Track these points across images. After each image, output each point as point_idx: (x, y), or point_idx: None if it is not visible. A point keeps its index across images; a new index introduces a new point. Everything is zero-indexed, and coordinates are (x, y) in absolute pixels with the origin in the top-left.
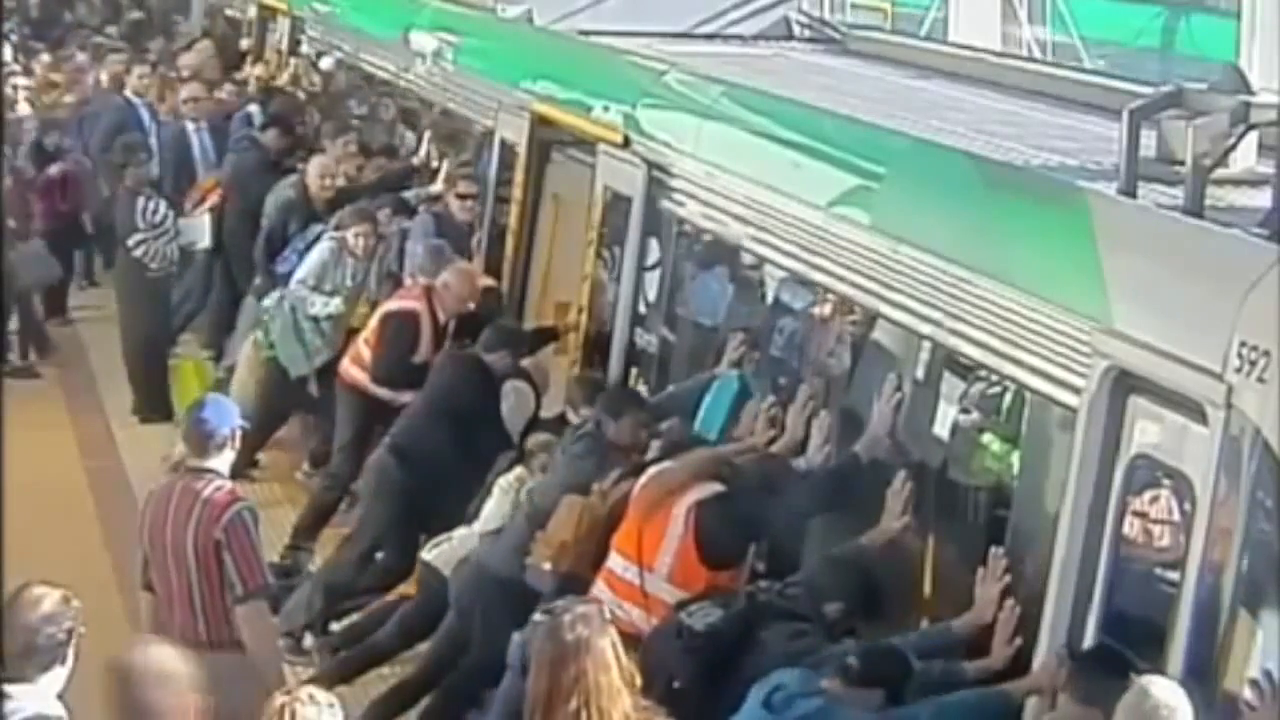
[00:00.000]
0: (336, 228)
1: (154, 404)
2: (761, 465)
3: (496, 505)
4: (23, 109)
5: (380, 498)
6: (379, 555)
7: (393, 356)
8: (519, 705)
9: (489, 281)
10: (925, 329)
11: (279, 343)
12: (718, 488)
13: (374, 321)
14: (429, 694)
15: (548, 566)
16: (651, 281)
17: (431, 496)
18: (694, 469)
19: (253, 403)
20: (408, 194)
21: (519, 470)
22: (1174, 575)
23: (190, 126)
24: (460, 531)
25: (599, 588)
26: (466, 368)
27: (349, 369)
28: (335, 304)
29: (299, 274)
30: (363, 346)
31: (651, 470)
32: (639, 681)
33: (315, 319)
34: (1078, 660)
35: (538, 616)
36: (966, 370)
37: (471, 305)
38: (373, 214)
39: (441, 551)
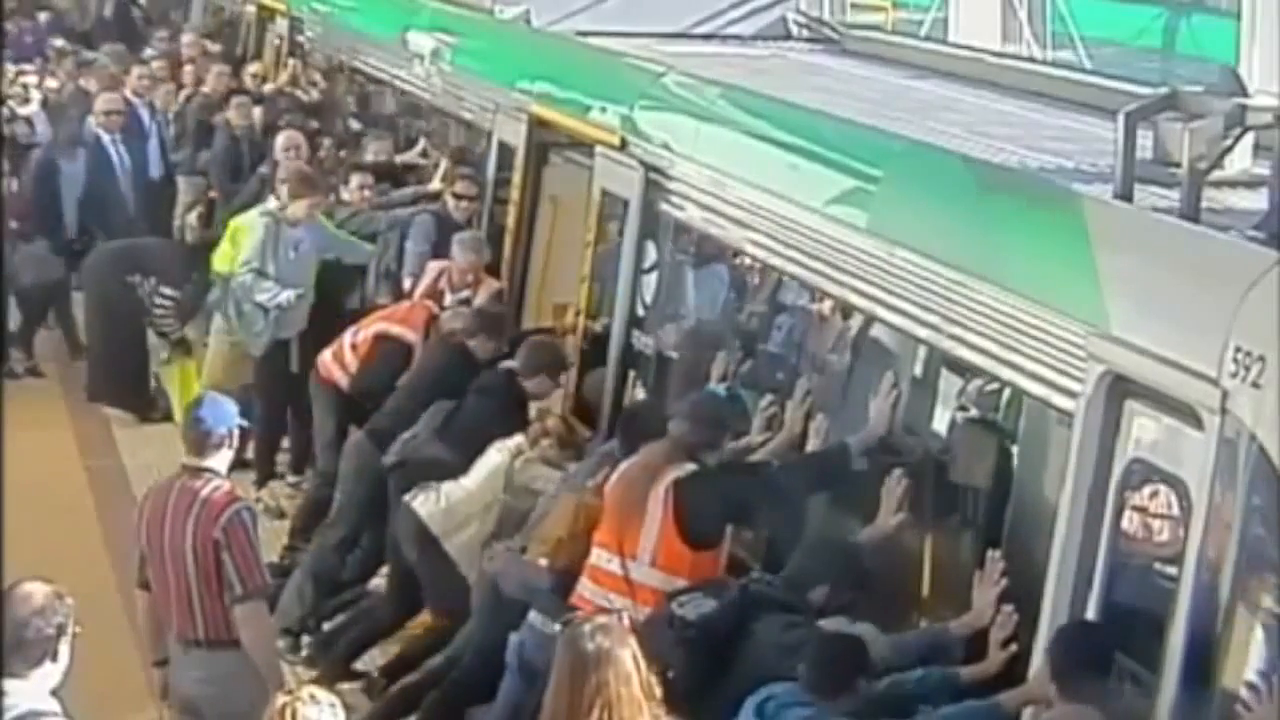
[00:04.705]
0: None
1: (138, 398)
2: (738, 450)
3: (491, 469)
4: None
5: (360, 480)
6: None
7: (377, 378)
8: (518, 706)
9: (496, 284)
10: (921, 332)
11: (240, 329)
12: (692, 466)
13: (368, 333)
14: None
15: (544, 563)
16: (649, 284)
17: (411, 480)
18: (662, 452)
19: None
20: (406, 191)
21: (519, 439)
22: (1170, 579)
23: (106, 139)
24: (447, 485)
25: (584, 584)
26: (453, 354)
27: (329, 365)
28: (286, 297)
29: (242, 256)
30: (348, 349)
31: (621, 465)
32: (659, 693)
33: (262, 307)
34: (1061, 660)
35: (532, 616)
36: (962, 374)
37: None
38: (318, 181)
39: (426, 499)
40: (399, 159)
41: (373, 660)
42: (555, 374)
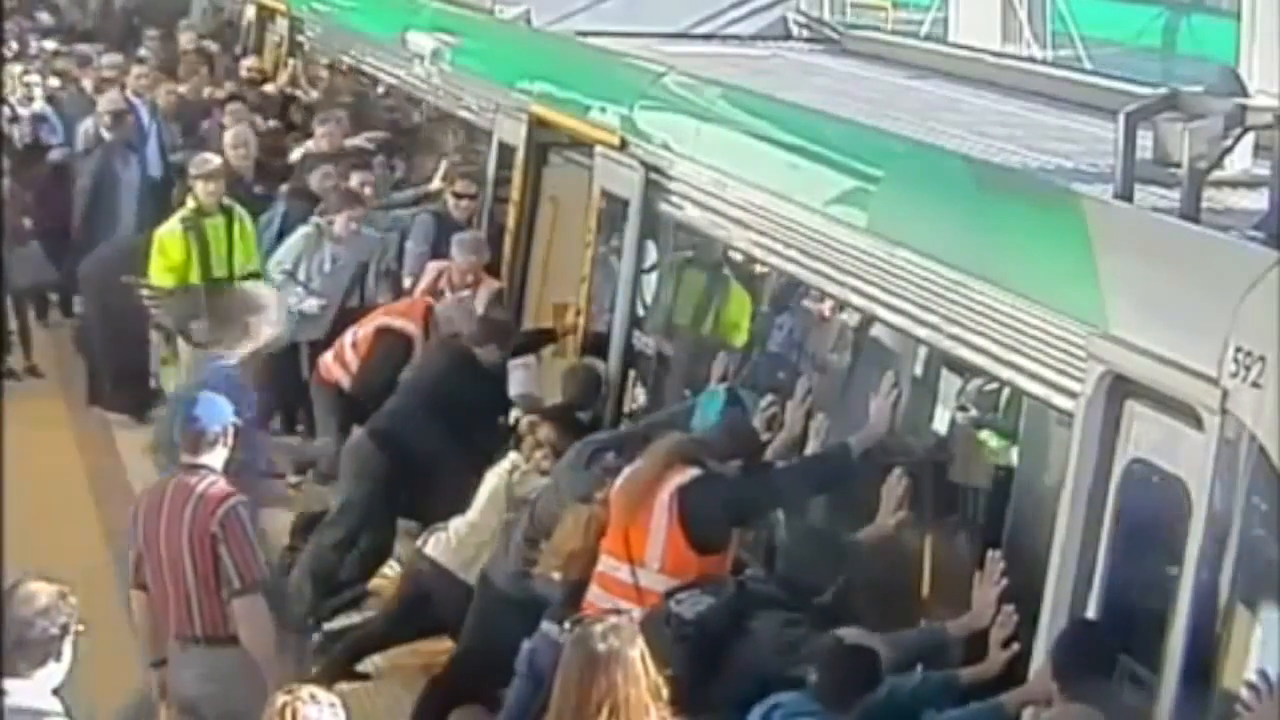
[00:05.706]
0: (322, 212)
1: (138, 400)
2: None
3: (491, 494)
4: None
5: (359, 480)
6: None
7: (379, 374)
8: (527, 711)
9: (496, 284)
10: (921, 332)
11: None
12: (695, 471)
13: (368, 329)
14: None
15: (557, 576)
16: (649, 284)
17: (409, 481)
18: (664, 458)
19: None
20: (405, 194)
21: (513, 456)
22: (1170, 580)
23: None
24: (455, 521)
25: (594, 591)
26: (456, 357)
27: (331, 365)
28: (312, 305)
29: (276, 255)
30: (349, 349)
31: (625, 472)
32: (665, 693)
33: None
34: (1062, 659)
35: (545, 626)
36: (963, 374)
37: None
38: (361, 196)
39: (437, 540)
40: (348, 142)
41: (373, 661)
42: (503, 344)
